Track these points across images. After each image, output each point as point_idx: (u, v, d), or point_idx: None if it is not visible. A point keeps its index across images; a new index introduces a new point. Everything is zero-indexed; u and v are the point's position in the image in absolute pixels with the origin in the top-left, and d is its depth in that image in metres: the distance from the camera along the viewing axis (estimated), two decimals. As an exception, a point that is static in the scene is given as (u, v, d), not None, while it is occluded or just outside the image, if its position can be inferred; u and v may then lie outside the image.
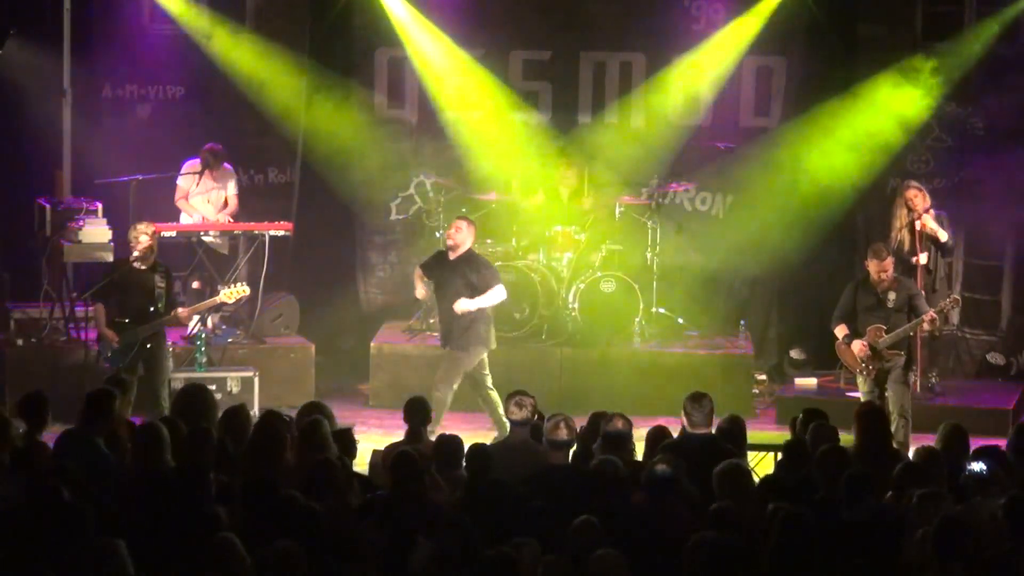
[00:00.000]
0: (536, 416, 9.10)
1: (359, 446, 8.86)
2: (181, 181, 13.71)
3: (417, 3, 14.34)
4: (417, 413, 9.18)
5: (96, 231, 12.88)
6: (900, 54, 13.95)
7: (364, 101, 14.81)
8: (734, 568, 6.49)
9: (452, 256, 11.74)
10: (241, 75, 14.27)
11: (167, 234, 13.27)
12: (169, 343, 12.51)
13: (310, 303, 14.17)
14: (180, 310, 11.63)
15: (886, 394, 11.28)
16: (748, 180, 14.36)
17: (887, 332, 11.15)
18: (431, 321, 13.89)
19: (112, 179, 13.53)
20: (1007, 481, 7.63)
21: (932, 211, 12.49)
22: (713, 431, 8.90)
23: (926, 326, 11.31)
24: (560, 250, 13.66)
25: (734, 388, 13.06)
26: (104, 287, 11.57)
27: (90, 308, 12.12)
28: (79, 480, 7.36)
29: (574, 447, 8.66)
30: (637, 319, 13.50)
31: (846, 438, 8.96)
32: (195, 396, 9.17)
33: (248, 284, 12.25)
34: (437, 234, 13.96)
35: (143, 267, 11.48)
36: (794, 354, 14.09)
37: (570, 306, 13.48)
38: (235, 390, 12.41)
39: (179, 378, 12.26)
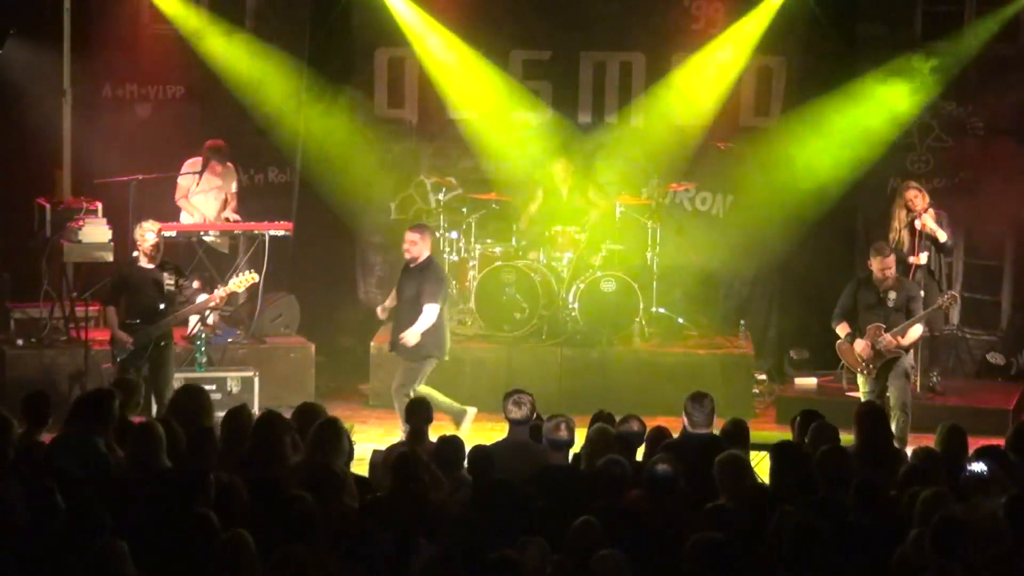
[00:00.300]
0: (535, 416, 9.09)
1: (358, 447, 8.87)
2: (182, 180, 13.71)
3: (419, 3, 14.34)
4: (419, 413, 9.17)
5: (96, 231, 12.87)
6: (900, 54, 13.96)
7: (364, 101, 14.83)
8: (732, 568, 6.49)
9: (412, 265, 11.65)
10: (240, 75, 14.28)
11: (167, 234, 13.24)
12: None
13: (310, 303, 14.18)
14: (204, 295, 11.59)
15: (887, 394, 11.30)
16: (748, 180, 14.37)
17: (886, 331, 11.18)
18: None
19: (112, 179, 13.54)
20: (1007, 481, 7.63)
21: (932, 211, 12.49)
22: (715, 432, 8.90)
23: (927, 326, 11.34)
24: (560, 250, 13.67)
25: (734, 388, 13.07)
26: (112, 289, 11.55)
27: (90, 308, 12.12)
28: (78, 481, 7.36)
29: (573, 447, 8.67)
30: (637, 319, 13.50)
31: (846, 438, 8.95)
32: (192, 397, 9.16)
33: (257, 275, 12.22)
34: (437, 234, 13.97)
35: (150, 266, 11.46)
36: (794, 354, 14.09)
37: (570, 306, 13.49)
38: (235, 390, 12.42)
39: (179, 378, 12.25)
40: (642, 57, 14.66)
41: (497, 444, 8.90)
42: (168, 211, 13.71)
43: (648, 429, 8.99)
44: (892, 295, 11.29)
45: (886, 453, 8.63)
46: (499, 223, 14.23)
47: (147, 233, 11.44)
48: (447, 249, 13.89)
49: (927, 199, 12.54)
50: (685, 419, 8.87)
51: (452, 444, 8.41)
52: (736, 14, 14.27)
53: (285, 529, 6.84)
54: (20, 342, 12.90)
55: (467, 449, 8.40)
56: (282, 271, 13.87)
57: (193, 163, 13.71)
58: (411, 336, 11.37)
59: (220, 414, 9.22)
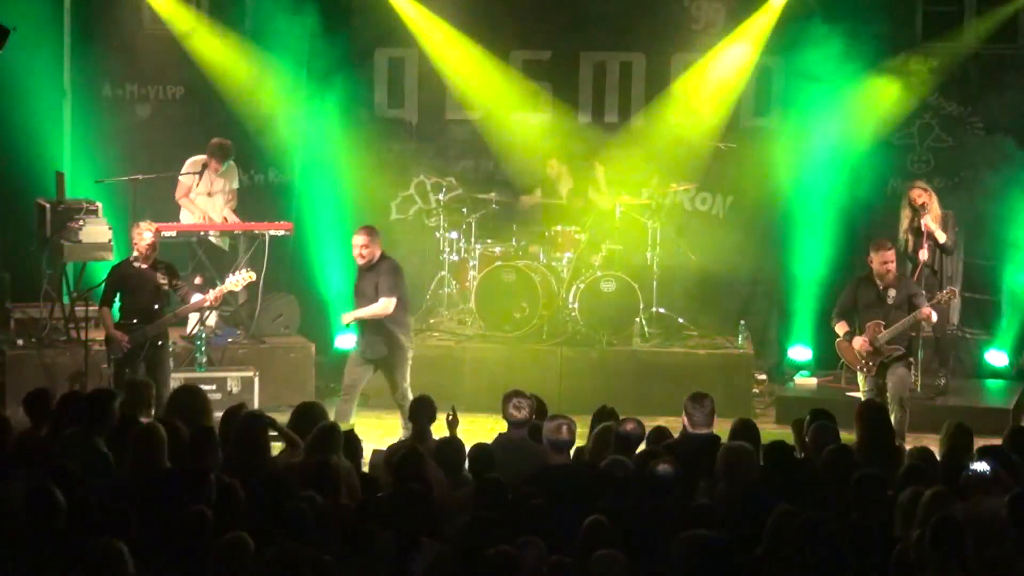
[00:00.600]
0: (534, 416, 9.10)
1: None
2: (183, 178, 13.70)
3: (419, 3, 14.35)
4: (423, 412, 9.17)
5: (96, 231, 12.87)
6: (900, 54, 13.96)
7: (364, 101, 14.83)
8: (719, 566, 6.50)
9: (366, 266, 11.60)
10: (239, 76, 14.28)
11: (167, 234, 13.27)
12: (170, 343, 12.53)
13: (310, 303, 14.18)
14: (198, 294, 11.61)
15: (887, 393, 11.32)
16: (748, 180, 14.36)
17: (886, 328, 11.20)
18: (431, 321, 13.92)
19: (112, 179, 13.55)
20: (1009, 480, 7.63)
21: (939, 211, 12.50)
22: (715, 432, 8.90)
23: (924, 322, 11.33)
24: (560, 250, 13.67)
25: (734, 388, 13.07)
26: (107, 290, 11.56)
27: (90, 308, 12.12)
28: (79, 481, 7.36)
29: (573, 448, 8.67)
30: (637, 319, 13.50)
31: (846, 437, 8.95)
32: (190, 397, 9.16)
33: (248, 284, 12.26)
34: (437, 234, 13.98)
35: (144, 266, 11.46)
36: (794, 354, 14.09)
37: (570, 306, 13.49)
38: (235, 390, 12.43)
39: (179, 378, 12.26)
40: (642, 57, 14.67)
41: (497, 443, 8.89)
42: (168, 211, 13.72)
43: (648, 429, 8.99)
44: (892, 292, 11.30)
45: (888, 451, 8.62)
46: (499, 223, 14.23)
47: (144, 232, 11.44)
48: (447, 249, 13.90)
49: (934, 199, 12.53)
50: (685, 419, 8.86)
51: (452, 445, 8.41)
52: (736, 14, 14.28)
53: (283, 529, 6.84)
54: (20, 342, 12.91)
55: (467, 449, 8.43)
56: (282, 271, 13.87)
57: (194, 162, 13.72)
58: (348, 316, 11.52)
59: (220, 414, 9.25)
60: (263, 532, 6.81)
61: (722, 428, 9.04)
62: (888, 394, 11.24)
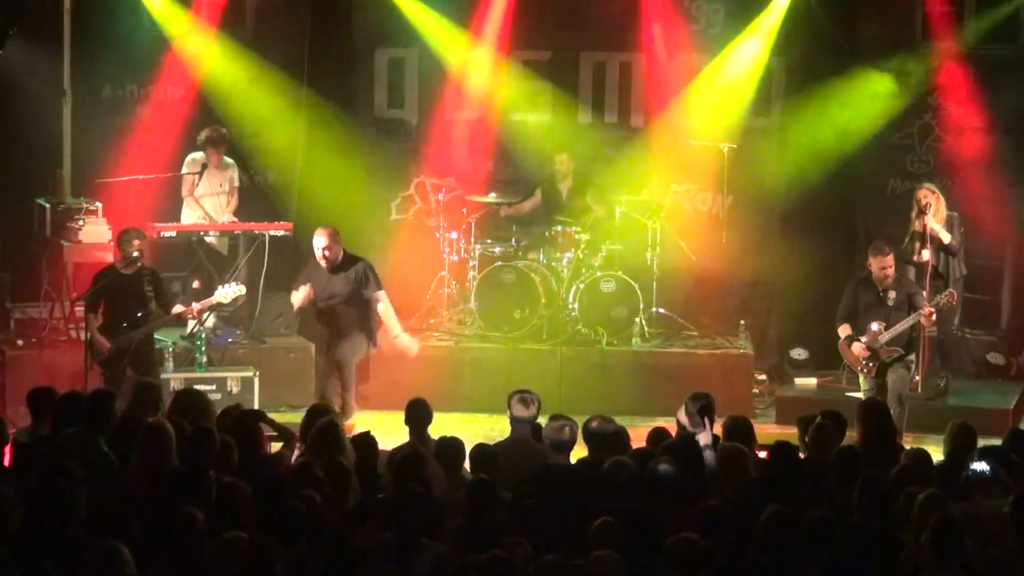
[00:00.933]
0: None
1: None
2: (184, 177, 13.67)
3: (419, 2, 14.34)
4: (420, 415, 9.16)
5: (96, 231, 12.89)
6: (900, 54, 13.96)
7: (364, 101, 14.82)
8: (711, 569, 6.50)
9: (334, 266, 11.83)
10: (239, 76, 14.28)
11: (167, 234, 13.29)
12: (169, 343, 12.54)
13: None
14: (179, 307, 11.66)
15: (887, 392, 11.35)
16: (748, 180, 14.36)
17: (886, 329, 11.22)
18: (431, 321, 13.91)
19: (112, 179, 13.55)
20: (1009, 481, 7.63)
21: (945, 212, 12.50)
22: (714, 431, 8.90)
23: (923, 321, 11.35)
24: (560, 250, 13.67)
25: (734, 388, 13.06)
26: (93, 296, 11.56)
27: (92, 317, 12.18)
28: (82, 480, 7.36)
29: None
30: (637, 319, 13.50)
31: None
32: (192, 400, 9.17)
33: (248, 284, 12.27)
34: (437, 234, 13.98)
35: (128, 272, 11.49)
36: (794, 354, 14.09)
37: (570, 306, 13.49)
38: (235, 390, 12.43)
39: (179, 378, 12.29)
40: (642, 57, 14.66)
41: (501, 444, 8.89)
42: (168, 211, 13.72)
43: (648, 430, 8.99)
44: (892, 294, 11.34)
45: (889, 451, 8.62)
46: (499, 223, 14.23)
47: (134, 239, 11.50)
48: (447, 249, 13.89)
49: (941, 201, 12.53)
50: (686, 419, 8.86)
51: (452, 444, 8.41)
52: (736, 14, 14.28)
53: (279, 529, 6.84)
54: (20, 342, 12.91)
55: (467, 449, 8.42)
56: (282, 271, 13.85)
57: (193, 160, 13.70)
58: (409, 341, 12.17)
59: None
60: (260, 532, 6.82)
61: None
62: (888, 391, 11.28)
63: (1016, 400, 12.96)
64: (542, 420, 9.06)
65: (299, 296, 11.99)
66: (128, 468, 8.05)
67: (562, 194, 14.14)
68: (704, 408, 8.80)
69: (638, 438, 9.26)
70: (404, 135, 15.00)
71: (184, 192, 13.70)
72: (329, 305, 11.76)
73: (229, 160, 13.82)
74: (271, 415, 9.14)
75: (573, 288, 13.49)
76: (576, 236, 13.64)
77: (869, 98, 13.97)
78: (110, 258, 12.58)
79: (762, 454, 9.00)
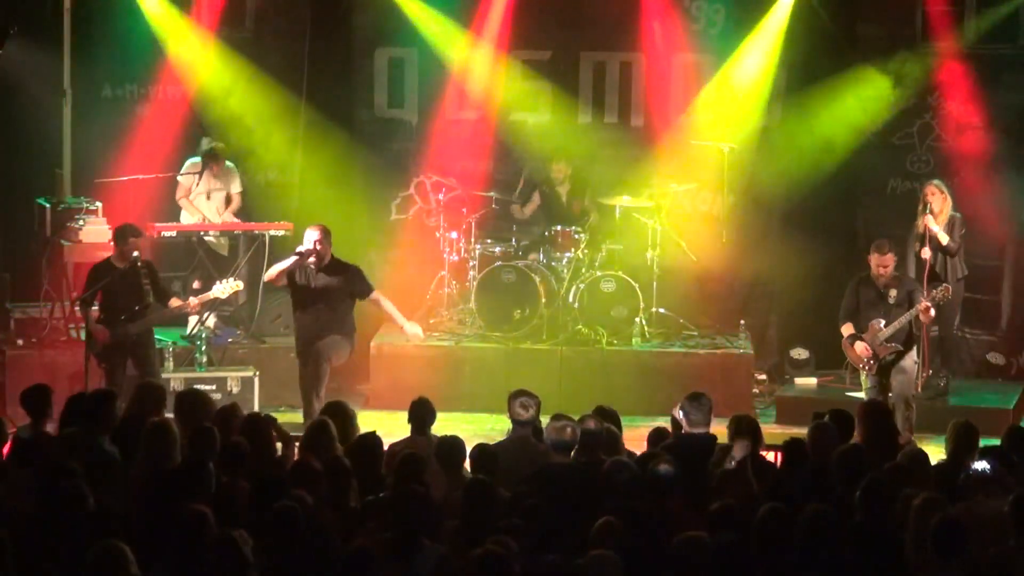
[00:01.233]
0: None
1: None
2: (183, 179, 13.72)
3: (419, 2, 14.35)
4: (422, 414, 9.17)
5: (96, 231, 12.89)
6: (900, 54, 13.96)
7: (364, 101, 14.82)
8: (721, 569, 6.50)
9: (321, 265, 11.83)
10: (239, 76, 14.28)
11: (167, 234, 13.30)
12: (169, 343, 12.54)
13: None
14: (176, 300, 11.68)
15: (889, 392, 11.35)
16: (748, 180, 14.36)
17: (886, 327, 11.25)
18: (431, 321, 13.91)
19: (112, 179, 13.55)
20: (1009, 480, 7.63)
21: (948, 213, 12.51)
22: (712, 431, 8.91)
23: (922, 317, 11.37)
24: (560, 250, 13.67)
25: (734, 388, 13.07)
26: (88, 289, 11.61)
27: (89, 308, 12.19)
28: (84, 480, 7.37)
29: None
30: (637, 319, 13.50)
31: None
32: (194, 401, 9.18)
33: (248, 284, 12.27)
34: (437, 234, 13.98)
35: (124, 266, 11.52)
36: (794, 354, 14.09)
37: (570, 306, 13.49)
38: (235, 390, 12.44)
39: (179, 378, 12.29)
40: (642, 57, 14.66)
41: (501, 445, 8.90)
42: (168, 211, 13.73)
43: (649, 430, 9.00)
44: (893, 292, 11.38)
45: (890, 451, 8.62)
46: (499, 223, 14.23)
47: (129, 237, 11.55)
48: (447, 249, 13.89)
49: (947, 201, 12.53)
50: (683, 419, 8.86)
51: (452, 444, 8.41)
52: (736, 15, 14.28)
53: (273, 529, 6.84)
54: (20, 342, 12.91)
55: (467, 449, 8.42)
56: (282, 271, 13.85)
57: (193, 164, 13.73)
58: (414, 327, 12.09)
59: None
60: (256, 531, 6.82)
61: (719, 428, 9.06)
62: (893, 392, 11.31)
63: (1016, 400, 12.96)
64: (543, 420, 9.07)
65: (279, 266, 11.85)
66: (130, 466, 8.06)
67: (561, 197, 14.14)
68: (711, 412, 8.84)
69: (639, 438, 9.29)
70: (404, 135, 14.99)
71: (179, 195, 13.71)
72: (311, 299, 11.70)
73: (230, 166, 13.83)
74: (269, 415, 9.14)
75: (573, 288, 13.49)
76: (576, 236, 13.65)
77: (869, 98, 13.96)
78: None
79: (767, 454, 9.06)
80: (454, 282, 13.95)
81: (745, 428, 8.56)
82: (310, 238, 11.79)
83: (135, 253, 11.47)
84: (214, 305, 12.66)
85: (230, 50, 14.34)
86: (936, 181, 12.76)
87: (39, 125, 13.97)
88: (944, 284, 11.80)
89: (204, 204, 13.72)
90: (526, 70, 14.71)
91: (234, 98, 14.29)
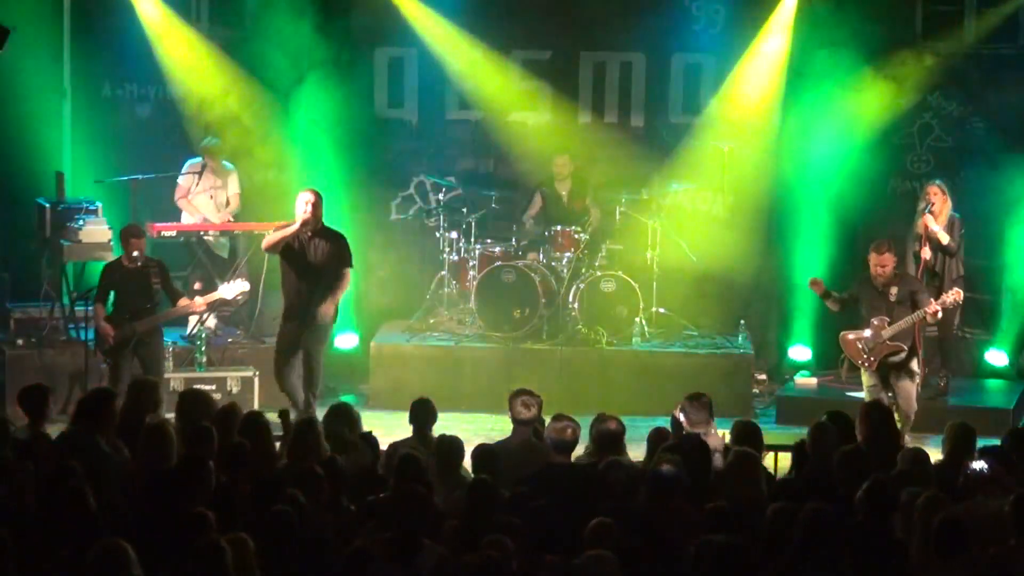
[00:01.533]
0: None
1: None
2: (182, 180, 13.73)
3: (419, 2, 14.35)
4: (423, 414, 9.17)
5: (96, 231, 12.88)
6: (900, 53, 13.96)
7: (364, 101, 14.82)
8: (742, 570, 6.49)
9: (314, 230, 11.67)
10: (239, 76, 14.29)
11: (167, 234, 13.30)
12: (169, 343, 12.54)
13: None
14: (184, 300, 11.72)
15: (890, 393, 11.35)
16: (748, 180, 14.36)
17: (889, 325, 11.25)
18: (431, 321, 13.91)
19: (112, 179, 13.55)
20: (1008, 480, 7.63)
21: (947, 214, 12.51)
22: (713, 431, 8.90)
23: (929, 318, 11.36)
24: (560, 250, 13.68)
25: (734, 388, 13.07)
26: (100, 287, 11.67)
27: (89, 308, 12.19)
28: (84, 479, 7.37)
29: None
30: (637, 319, 13.51)
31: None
32: (195, 400, 9.19)
33: (248, 284, 12.27)
34: (437, 234, 13.97)
35: (134, 265, 11.58)
36: (794, 354, 14.09)
37: (570, 306, 13.49)
38: (235, 390, 12.45)
39: (179, 378, 12.29)
40: (642, 57, 14.66)
41: (502, 445, 8.89)
42: (169, 211, 13.73)
43: (649, 431, 8.99)
44: (894, 290, 11.36)
45: (892, 453, 8.61)
46: (499, 223, 14.23)
47: (130, 238, 11.59)
48: (447, 249, 13.89)
49: (947, 202, 12.53)
50: (683, 419, 8.86)
51: (451, 444, 8.40)
52: (737, 14, 14.29)
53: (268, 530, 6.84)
54: (20, 342, 12.91)
55: (466, 449, 8.42)
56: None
57: (193, 164, 13.74)
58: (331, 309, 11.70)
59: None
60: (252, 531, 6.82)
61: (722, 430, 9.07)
62: (897, 404, 11.24)
63: (1016, 400, 12.96)
64: (544, 420, 9.08)
65: (279, 233, 11.72)
66: (128, 465, 8.07)
67: (562, 197, 14.14)
68: (711, 411, 8.83)
69: (639, 438, 9.27)
70: (404, 135, 14.99)
71: (178, 196, 13.71)
72: (303, 265, 11.63)
73: (230, 166, 13.83)
74: (268, 415, 9.14)
75: (573, 288, 13.50)
76: (576, 236, 13.65)
77: (869, 97, 13.96)
78: (110, 258, 12.61)
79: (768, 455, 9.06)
80: (454, 282, 13.95)
81: (741, 435, 8.57)
82: (304, 200, 11.67)
83: (135, 252, 11.51)
84: (218, 306, 12.65)
85: (230, 50, 14.34)
86: (938, 181, 12.77)
87: (39, 125, 13.96)
88: (955, 289, 11.78)
89: (204, 204, 13.72)
90: (526, 70, 14.71)
91: (232, 98, 14.28)
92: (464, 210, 14.02)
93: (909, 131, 14.34)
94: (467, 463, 8.42)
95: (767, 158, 14.29)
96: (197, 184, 13.68)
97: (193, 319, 12.86)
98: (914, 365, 11.45)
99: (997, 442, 8.60)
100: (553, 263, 13.67)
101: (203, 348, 12.64)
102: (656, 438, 8.84)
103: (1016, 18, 13.96)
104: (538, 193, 14.23)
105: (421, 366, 13.16)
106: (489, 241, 13.89)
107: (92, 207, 13.11)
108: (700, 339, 13.81)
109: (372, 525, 7.24)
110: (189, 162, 13.78)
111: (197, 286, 13.06)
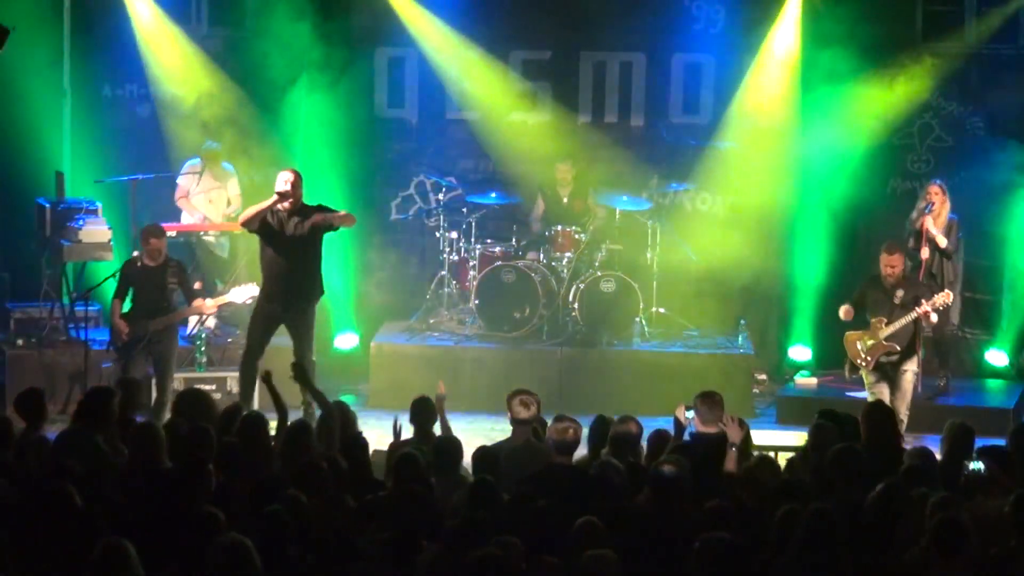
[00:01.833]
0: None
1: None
2: (182, 180, 13.74)
3: (419, 2, 14.35)
4: (424, 414, 9.16)
5: (96, 231, 12.89)
6: (900, 54, 13.96)
7: (364, 101, 14.82)
8: (744, 568, 6.49)
9: (296, 207, 11.54)
10: (239, 76, 14.29)
11: (167, 234, 13.28)
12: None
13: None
14: (199, 301, 11.74)
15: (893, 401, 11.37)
16: (748, 180, 14.35)
17: (887, 325, 11.27)
18: (431, 321, 13.91)
19: (112, 179, 13.55)
20: (1007, 480, 7.63)
21: (946, 216, 12.52)
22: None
23: (923, 321, 11.37)
24: (560, 250, 13.68)
25: (734, 388, 13.03)
26: (119, 283, 11.70)
27: (89, 308, 12.20)
28: (82, 479, 7.37)
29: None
30: (637, 319, 13.51)
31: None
32: (196, 400, 9.19)
33: (258, 288, 12.26)
34: (437, 234, 13.97)
35: (153, 264, 11.62)
36: (794, 354, 14.09)
37: (570, 306, 13.49)
38: (235, 390, 12.42)
39: (179, 378, 12.28)
40: (642, 57, 14.66)
41: (502, 445, 8.89)
42: (169, 211, 13.73)
43: (650, 431, 8.98)
44: (900, 292, 11.39)
45: (893, 453, 8.61)
46: (499, 223, 14.23)
47: (150, 238, 11.63)
48: (447, 249, 13.89)
49: (946, 204, 12.55)
50: (695, 418, 8.84)
51: (451, 445, 8.40)
52: (737, 14, 14.29)
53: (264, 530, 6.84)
54: (20, 342, 12.91)
55: (465, 449, 8.42)
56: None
57: (193, 165, 13.74)
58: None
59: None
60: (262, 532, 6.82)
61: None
62: (893, 403, 11.26)
63: (1016, 400, 12.96)
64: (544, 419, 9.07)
65: (255, 207, 11.58)
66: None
67: (562, 197, 14.14)
68: (723, 410, 8.82)
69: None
70: (404, 135, 14.99)
71: (178, 196, 13.71)
72: (282, 245, 11.52)
73: (230, 168, 13.83)
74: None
75: (573, 288, 13.50)
76: (576, 236, 13.65)
77: (869, 98, 13.96)
78: (110, 258, 12.64)
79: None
80: (454, 282, 13.95)
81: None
82: (283, 179, 11.57)
83: (156, 251, 11.55)
84: (228, 309, 12.67)
85: (230, 49, 14.33)
86: (938, 181, 12.78)
87: (39, 125, 13.96)
88: (945, 291, 11.79)
89: (204, 205, 13.72)
90: (526, 70, 14.71)
91: (233, 98, 14.27)
92: (464, 210, 14.02)
93: (909, 131, 14.34)
94: (467, 463, 8.42)
95: (767, 158, 14.27)
96: (197, 184, 13.68)
97: (193, 319, 12.86)
98: (911, 365, 11.46)
99: (997, 442, 8.58)
100: (553, 263, 13.67)
101: (203, 348, 12.64)
102: (656, 440, 8.82)
103: (1016, 19, 13.96)
104: (540, 195, 14.23)
105: (421, 366, 13.15)
106: (489, 241, 13.89)
107: (92, 207, 13.12)
108: (700, 339, 13.81)
109: (372, 525, 7.23)
110: (189, 163, 13.79)
111: (197, 286, 13.05)
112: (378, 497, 7.66)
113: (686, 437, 8.82)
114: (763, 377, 14.00)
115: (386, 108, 14.98)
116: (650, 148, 14.56)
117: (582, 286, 13.43)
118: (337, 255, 14.89)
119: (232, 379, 12.54)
